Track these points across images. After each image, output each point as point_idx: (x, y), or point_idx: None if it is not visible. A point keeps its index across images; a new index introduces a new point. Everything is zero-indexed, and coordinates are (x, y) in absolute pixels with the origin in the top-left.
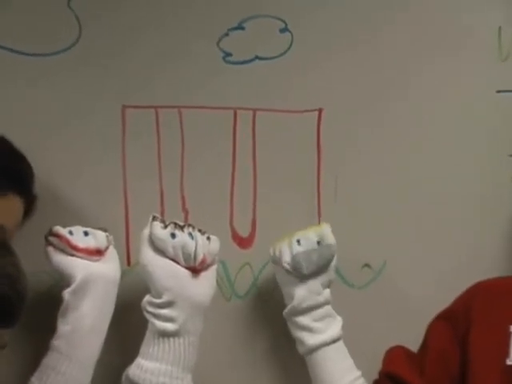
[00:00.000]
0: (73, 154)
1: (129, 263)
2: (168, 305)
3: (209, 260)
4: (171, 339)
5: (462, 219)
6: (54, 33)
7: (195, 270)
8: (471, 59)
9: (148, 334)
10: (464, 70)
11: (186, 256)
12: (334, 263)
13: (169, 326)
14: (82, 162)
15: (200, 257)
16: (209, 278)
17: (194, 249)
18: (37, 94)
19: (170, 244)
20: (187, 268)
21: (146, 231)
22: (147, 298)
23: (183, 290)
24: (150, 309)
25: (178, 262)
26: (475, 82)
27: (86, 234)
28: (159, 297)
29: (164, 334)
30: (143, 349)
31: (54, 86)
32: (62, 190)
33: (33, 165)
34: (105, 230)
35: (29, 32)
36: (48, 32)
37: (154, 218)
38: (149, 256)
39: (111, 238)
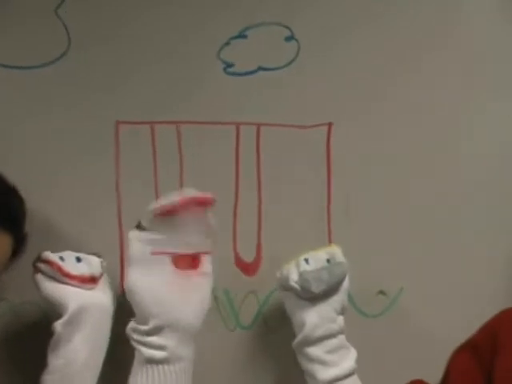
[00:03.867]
0: (63, 172)
1: (123, 290)
2: (155, 332)
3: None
4: (160, 366)
5: (486, 244)
6: (41, 43)
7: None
8: None
9: (136, 363)
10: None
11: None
12: (346, 285)
13: (157, 354)
14: (73, 181)
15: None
16: (200, 295)
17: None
18: (24, 110)
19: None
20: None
21: (133, 250)
22: (132, 324)
23: (170, 315)
24: (136, 336)
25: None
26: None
27: (78, 259)
28: (145, 323)
29: (152, 361)
30: (131, 380)
31: (42, 100)
32: (51, 210)
33: (19, 182)
34: (99, 256)
35: (13, 43)
36: (34, 42)
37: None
38: (134, 278)
39: (105, 264)
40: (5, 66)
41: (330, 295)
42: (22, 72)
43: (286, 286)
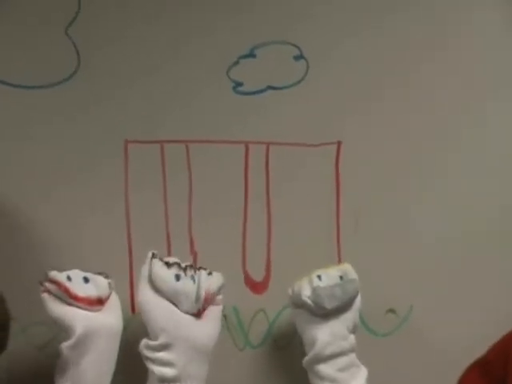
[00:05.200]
0: (72, 192)
1: (133, 310)
2: (164, 347)
3: (210, 301)
4: None
5: (497, 262)
6: (51, 63)
7: (195, 315)
8: None
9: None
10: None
11: (188, 304)
12: (358, 303)
13: (167, 371)
14: (82, 200)
15: (200, 302)
16: (212, 318)
17: (195, 295)
18: (33, 129)
19: (172, 286)
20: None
21: (146, 268)
22: (144, 341)
23: (181, 332)
24: (148, 353)
25: (176, 306)
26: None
27: (86, 280)
28: (155, 339)
29: (164, 380)
30: None
31: (51, 119)
32: (60, 231)
33: (31, 201)
34: (106, 276)
35: (23, 63)
36: (44, 62)
37: (154, 255)
38: (147, 295)
39: (113, 284)
40: (15, 86)
41: (342, 312)
42: (33, 91)
43: (297, 303)
